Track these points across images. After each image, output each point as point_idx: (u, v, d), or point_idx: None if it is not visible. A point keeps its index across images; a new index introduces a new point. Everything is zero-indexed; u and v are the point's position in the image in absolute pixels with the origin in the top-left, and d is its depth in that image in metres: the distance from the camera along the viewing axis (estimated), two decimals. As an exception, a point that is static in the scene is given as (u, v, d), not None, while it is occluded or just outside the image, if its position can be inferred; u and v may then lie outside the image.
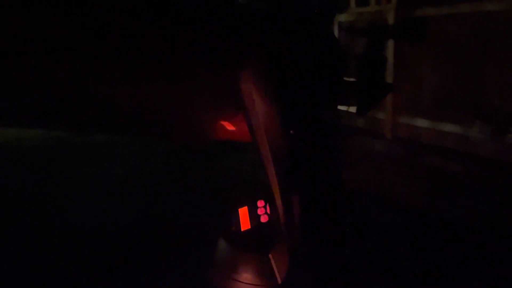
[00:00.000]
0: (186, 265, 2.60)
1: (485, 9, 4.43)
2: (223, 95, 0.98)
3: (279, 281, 1.00)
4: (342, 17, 5.67)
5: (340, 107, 1.40)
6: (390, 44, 4.85)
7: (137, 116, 0.93)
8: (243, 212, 1.21)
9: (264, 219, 1.19)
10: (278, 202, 0.97)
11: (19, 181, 4.32)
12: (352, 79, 1.30)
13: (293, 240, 0.98)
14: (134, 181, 4.30)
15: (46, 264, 2.79)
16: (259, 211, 1.22)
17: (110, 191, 4.05)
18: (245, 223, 1.19)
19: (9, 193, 3.99)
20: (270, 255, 1.10)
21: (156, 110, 0.94)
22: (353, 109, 1.30)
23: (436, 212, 3.57)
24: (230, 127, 1.15)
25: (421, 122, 5.21)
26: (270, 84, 0.92)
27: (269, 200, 1.06)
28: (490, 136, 4.46)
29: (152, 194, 3.95)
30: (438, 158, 4.87)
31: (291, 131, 0.95)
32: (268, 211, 1.19)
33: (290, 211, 0.98)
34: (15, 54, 0.75)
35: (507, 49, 4.33)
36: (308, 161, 0.94)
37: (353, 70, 1.31)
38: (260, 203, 1.22)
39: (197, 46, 0.88)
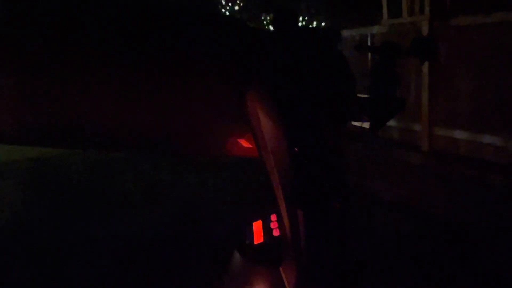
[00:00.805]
0: (200, 277, 2.63)
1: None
2: (232, 114, 1.03)
3: (290, 294, 1.02)
4: (375, 29, 5.62)
5: (354, 123, 1.42)
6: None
7: (155, 134, 0.99)
8: (257, 226, 1.24)
9: (276, 232, 1.21)
10: (285, 216, 1.00)
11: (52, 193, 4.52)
12: (365, 96, 1.31)
13: (300, 254, 1.00)
14: (148, 193, 4.39)
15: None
16: (272, 225, 1.25)
17: (125, 204, 4.15)
18: (258, 237, 1.22)
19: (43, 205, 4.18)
20: (280, 268, 1.12)
21: (172, 128, 0.99)
22: (366, 125, 1.32)
23: (475, 226, 3.44)
24: (246, 144, 1.19)
25: (459, 134, 5.05)
26: (275, 104, 0.96)
27: (277, 215, 1.09)
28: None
29: (166, 206, 4.01)
30: (477, 171, 4.70)
31: (295, 149, 0.98)
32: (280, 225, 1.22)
33: (296, 226, 1.00)
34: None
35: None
36: (313, 177, 0.97)
37: (366, 87, 1.33)
38: (274, 217, 1.25)
39: (206, 69, 0.94)
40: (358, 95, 1.35)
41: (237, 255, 1.23)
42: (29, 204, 4.30)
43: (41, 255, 3.18)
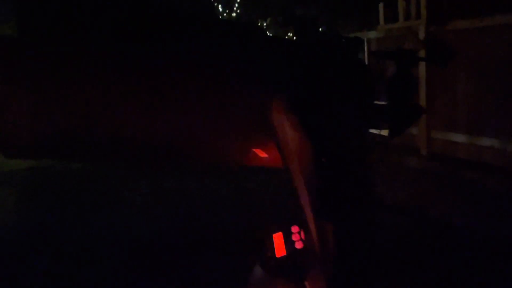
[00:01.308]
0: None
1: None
2: (255, 125, 1.01)
3: (316, 309, 1.00)
4: (371, 34, 5.64)
5: (372, 131, 1.40)
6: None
7: (179, 147, 0.97)
8: (278, 238, 1.22)
9: (299, 245, 1.19)
10: (312, 228, 0.98)
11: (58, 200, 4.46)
12: (383, 103, 1.30)
13: (329, 266, 0.98)
14: (161, 202, 4.34)
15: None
16: (294, 237, 1.22)
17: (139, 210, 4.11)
18: (280, 250, 1.19)
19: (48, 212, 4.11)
20: (306, 283, 1.10)
21: (196, 139, 0.97)
22: (385, 133, 1.30)
23: (474, 229, 3.44)
24: (262, 154, 1.17)
25: (457, 137, 5.07)
26: (301, 114, 0.93)
27: (303, 226, 1.06)
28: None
29: (182, 216, 3.97)
30: (475, 174, 4.71)
31: (323, 159, 0.96)
32: (303, 237, 1.20)
33: (325, 237, 0.98)
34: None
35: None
36: (341, 186, 0.94)
37: (383, 94, 1.31)
38: (294, 228, 1.22)
39: (231, 80, 0.92)
40: (376, 102, 1.34)
41: (258, 269, 1.20)
42: (29, 211, 4.25)
43: (49, 263, 3.13)
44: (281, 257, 1.19)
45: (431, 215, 3.90)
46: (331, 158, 0.96)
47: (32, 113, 0.83)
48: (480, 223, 3.54)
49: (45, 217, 4.09)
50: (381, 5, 5.51)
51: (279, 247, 1.21)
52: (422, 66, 4.88)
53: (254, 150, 1.16)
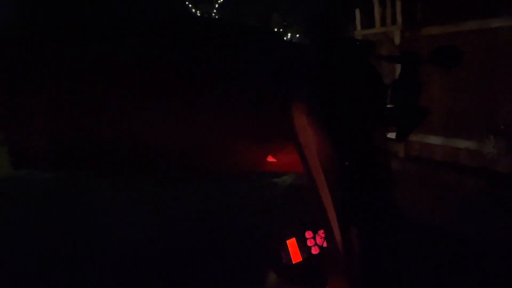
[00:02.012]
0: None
1: (491, 26, 4.48)
2: (274, 129, 0.99)
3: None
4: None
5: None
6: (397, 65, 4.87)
7: (197, 153, 0.94)
8: (292, 244, 1.20)
9: (315, 250, 1.17)
10: (336, 232, 0.96)
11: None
12: (389, 105, 1.30)
13: (353, 270, 0.96)
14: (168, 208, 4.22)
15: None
16: (309, 243, 1.20)
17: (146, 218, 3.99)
18: (296, 256, 1.17)
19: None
20: (326, 288, 1.08)
21: (214, 146, 0.94)
22: (391, 135, 1.30)
23: (451, 228, 3.51)
24: (270, 158, 1.15)
25: (434, 139, 5.20)
26: (323, 116, 0.92)
27: (325, 230, 1.05)
28: (505, 150, 4.43)
29: (190, 223, 3.86)
30: (453, 175, 4.84)
31: (346, 162, 0.95)
32: (318, 242, 1.18)
33: (349, 241, 0.97)
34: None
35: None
36: (364, 189, 0.94)
37: (389, 97, 1.31)
38: (308, 234, 1.21)
39: (252, 84, 0.90)
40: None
41: (272, 275, 1.18)
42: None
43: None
44: (297, 263, 1.17)
45: (409, 215, 3.96)
46: (355, 161, 0.95)
47: (47, 121, 0.78)
48: (456, 221, 3.62)
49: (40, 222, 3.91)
50: (357, 11, 5.61)
51: (294, 253, 1.19)
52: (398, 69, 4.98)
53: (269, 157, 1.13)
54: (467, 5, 4.77)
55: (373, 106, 1.02)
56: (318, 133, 0.93)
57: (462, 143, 4.87)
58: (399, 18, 5.10)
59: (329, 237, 1.00)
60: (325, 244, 1.15)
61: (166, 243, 3.43)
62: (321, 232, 1.18)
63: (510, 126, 4.44)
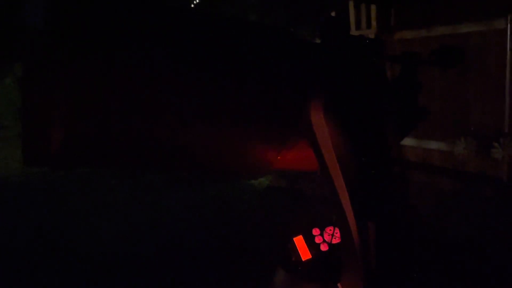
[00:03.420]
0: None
1: (461, 31, 4.65)
2: (289, 127, 0.98)
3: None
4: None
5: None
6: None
7: (211, 152, 0.92)
8: (299, 241, 1.20)
9: (324, 247, 1.17)
10: (354, 228, 0.97)
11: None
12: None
13: (369, 266, 0.97)
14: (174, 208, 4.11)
15: None
16: (317, 240, 1.21)
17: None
18: (305, 253, 1.17)
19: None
20: (339, 285, 1.08)
21: (230, 145, 0.93)
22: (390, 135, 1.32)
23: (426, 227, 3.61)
24: (292, 157, 1.14)
25: (407, 141, 5.34)
26: (339, 112, 0.93)
27: (341, 226, 1.05)
28: (475, 151, 4.60)
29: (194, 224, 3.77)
30: (425, 175, 4.98)
31: (363, 158, 0.95)
32: (327, 239, 1.18)
33: (366, 237, 0.98)
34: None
35: (484, 67, 4.53)
36: (381, 186, 0.95)
37: (390, 96, 1.34)
38: (316, 231, 1.21)
39: (266, 81, 0.89)
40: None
41: (282, 273, 1.17)
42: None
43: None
44: (307, 260, 1.17)
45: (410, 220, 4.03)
46: (371, 158, 0.96)
47: (64, 117, 0.75)
48: (428, 219, 3.73)
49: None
50: (333, 14, 5.71)
51: (303, 251, 1.19)
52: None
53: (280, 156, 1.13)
54: (439, 10, 4.94)
55: (385, 103, 1.04)
56: (334, 129, 0.93)
57: (434, 145, 5.02)
58: (374, 22, 5.22)
59: (345, 233, 1.00)
60: (333, 241, 1.15)
61: (161, 241, 3.36)
62: (328, 229, 1.19)
63: (480, 128, 4.61)
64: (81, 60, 0.74)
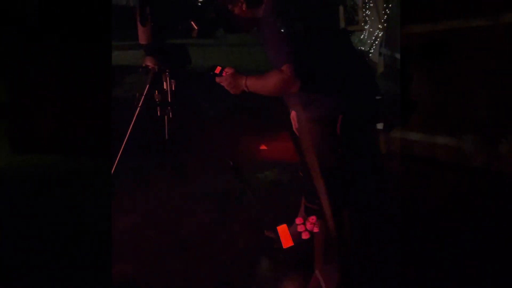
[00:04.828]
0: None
1: (469, 25, 4.60)
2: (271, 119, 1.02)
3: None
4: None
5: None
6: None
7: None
8: (283, 230, 1.24)
9: (305, 236, 1.22)
10: (329, 218, 1.01)
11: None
12: (378, 97, 1.36)
13: (345, 255, 1.01)
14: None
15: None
16: (299, 228, 1.25)
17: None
18: (287, 241, 1.22)
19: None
20: (316, 271, 1.13)
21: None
22: (380, 126, 1.36)
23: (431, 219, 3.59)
24: (261, 146, 1.19)
25: (413, 135, 5.31)
26: (317, 107, 0.97)
27: (318, 215, 1.10)
28: (482, 147, 4.57)
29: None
30: (431, 170, 4.95)
31: (339, 150, 0.99)
32: (309, 228, 1.23)
33: (341, 226, 1.02)
34: None
35: (492, 62, 4.48)
36: (356, 176, 0.99)
37: (378, 88, 1.37)
38: (299, 220, 1.25)
39: None
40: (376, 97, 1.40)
41: (264, 260, 1.22)
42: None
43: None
44: (289, 248, 1.22)
45: (394, 210, 4.04)
46: (347, 149, 1.00)
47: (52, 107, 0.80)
48: (436, 213, 3.71)
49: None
50: (341, 8, 5.70)
51: (285, 239, 1.23)
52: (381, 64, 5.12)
53: (262, 146, 1.17)
54: (447, 4, 4.89)
55: (366, 95, 1.07)
56: (313, 122, 0.97)
57: (441, 140, 4.99)
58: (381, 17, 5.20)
59: (321, 221, 1.04)
60: (315, 230, 1.19)
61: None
62: (311, 219, 1.23)
63: (487, 123, 4.57)
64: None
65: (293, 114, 1.93)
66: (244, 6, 1.94)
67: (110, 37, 2.54)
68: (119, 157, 3.33)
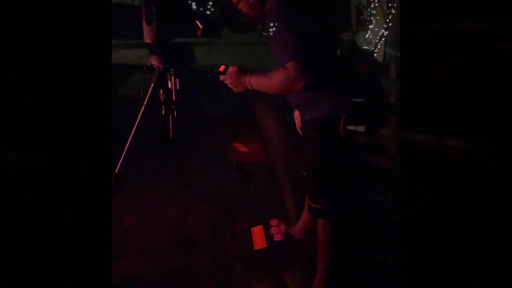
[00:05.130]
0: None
1: (484, 25, 4.49)
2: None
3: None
4: (344, 36, 5.76)
5: (349, 127, 1.44)
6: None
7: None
8: (257, 232, 1.24)
9: (278, 237, 1.21)
10: (294, 221, 1.00)
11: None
12: (360, 100, 1.35)
13: (326, 257, 1.00)
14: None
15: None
16: (273, 230, 1.25)
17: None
18: (259, 242, 1.21)
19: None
20: (283, 274, 1.12)
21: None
22: (361, 129, 1.35)
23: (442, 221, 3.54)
24: (242, 148, 1.19)
25: (425, 137, 5.22)
26: (321, 106, 0.96)
27: (284, 219, 1.09)
28: (495, 148, 4.46)
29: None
30: (442, 172, 4.86)
31: (307, 152, 0.98)
32: (282, 230, 1.22)
33: (306, 230, 1.01)
34: None
35: (506, 62, 4.37)
36: (326, 176, 0.97)
37: (360, 91, 1.36)
38: (274, 221, 1.25)
39: None
40: (353, 99, 1.38)
41: (237, 262, 1.22)
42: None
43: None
44: (260, 250, 1.22)
45: (402, 213, 3.98)
46: (314, 151, 0.99)
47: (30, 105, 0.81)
48: (436, 213, 3.65)
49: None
50: (353, 9, 5.64)
51: (259, 240, 1.23)
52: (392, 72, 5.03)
53: (235, 144, 1.18)
54: (461, 3, 4.79)
55: (340, 97, 1.06)
56: (316, 122, 0.96)
57: (453, 142, 4.89)
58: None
59: (288, 224, 1.03)
60: (290, 231, 1.18)
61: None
62: (280, 223, 1.23)
63: (500, 125, 4.47)
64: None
65: (296, 113, 1.91)
66: (250, 2, 1.94)
67: (110, 36, 2.56)
68: (124, 155, 3.36)
